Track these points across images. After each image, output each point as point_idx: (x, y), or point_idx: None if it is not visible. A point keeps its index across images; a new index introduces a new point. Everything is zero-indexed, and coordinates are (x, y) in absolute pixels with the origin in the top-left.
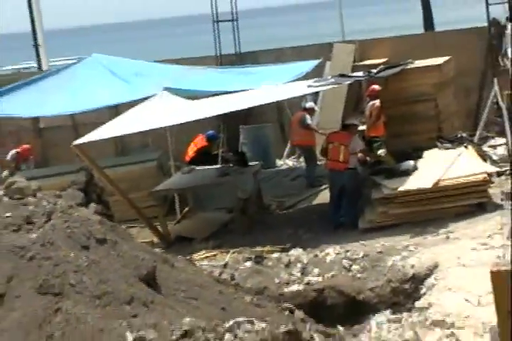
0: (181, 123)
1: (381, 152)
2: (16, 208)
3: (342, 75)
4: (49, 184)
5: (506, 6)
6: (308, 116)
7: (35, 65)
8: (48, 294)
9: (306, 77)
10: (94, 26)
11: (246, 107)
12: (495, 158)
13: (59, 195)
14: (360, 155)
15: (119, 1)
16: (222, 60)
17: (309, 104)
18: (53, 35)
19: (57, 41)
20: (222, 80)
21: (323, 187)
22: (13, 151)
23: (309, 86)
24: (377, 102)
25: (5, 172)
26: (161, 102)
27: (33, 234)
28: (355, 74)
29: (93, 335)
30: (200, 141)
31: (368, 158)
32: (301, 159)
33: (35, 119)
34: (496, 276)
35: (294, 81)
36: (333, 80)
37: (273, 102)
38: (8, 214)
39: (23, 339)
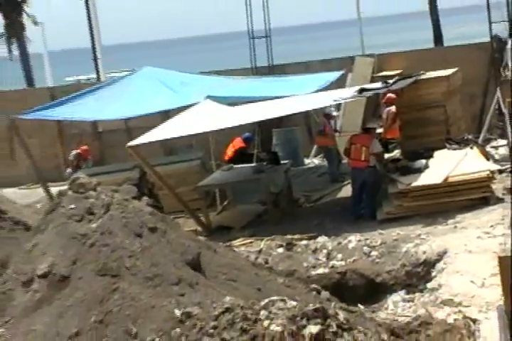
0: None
1: (396, 152)
2: (78, 201)
3: (362, 90)
4: (107, 180)
5: (507, 24)
6: (326, 122)
7: (95, 76)
8: (107, 276)
9: (330, 86)
10: (146, 43)
11: (278, 116)
12: (497, 157)
13: (116, 189)
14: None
15: (168, 19)
16: (257, 72)
17: (328, 111)
18: (112, 49)
19: (116, 55)
20: (257, 88)
21: (346, 182)
22: (74, 152)
23: (335, 100)
24: (392, 108)
25: (68, 170)
26: (204, 109)
27: (94, 223)
28: (374, 85)
29: (146, 311)
30: (237, 143)
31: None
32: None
33: (94, 124)
34: (503, 261)
35: (320, 90)
36: (355, 94)
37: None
38: (72, 206)
39: (85, 315)
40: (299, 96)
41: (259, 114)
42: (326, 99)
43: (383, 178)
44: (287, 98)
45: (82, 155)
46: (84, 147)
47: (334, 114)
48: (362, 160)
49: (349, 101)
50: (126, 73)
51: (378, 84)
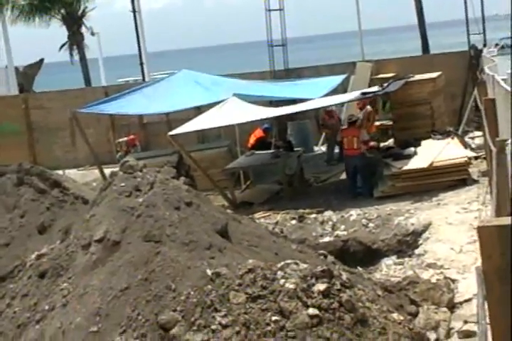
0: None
1: (390, 141)
2: (128, 180)
3: (364, 93)
4: (151, 163)
5: (482, 36)
6: (326, 117)
7: (141, 78)
8: (151, 241)
9: (336, 87)
10: (183, 50)
11: (293, 112)
12: (473, 146)
13: (158, 170)
14: (374, 143)
15: (202, 29)
16: (275, 74)
17: (329, 108)
18: (156, 55)
19: (159, 60)
20: (275, 90)
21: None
22: (122, 140)
23: (342, 101)
24: (368, 108)
25: (120, 154)
26: (231, 105)
27: (140, 198)
28: (372, 89)
29: (183, 271)
30: (258, 132)
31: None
32: None
33: (141, 116)
34: (482, 230)
35: (329, 93)
36: (359, 96)
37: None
38: (122, 184)
39: (133, 273)
40: (313, 100)
41: (277, 110)
42: (335, 100)
43: (379, 163)
44: (304, 103)
45: (129, 143)
46: (132, 136)
47: (333, 109)
48: (355, 148)
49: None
50: (166, 75)
51: (375, 88)
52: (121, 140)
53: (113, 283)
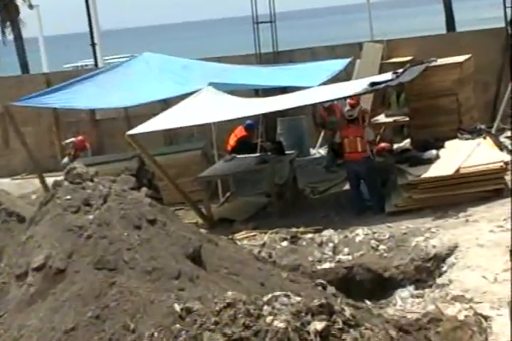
0: None
1: (405, 142)
2: (75, 191)
3: (373, 83)
4: (105, 170)
5: None
6: (325, 115)
7: (92, 62)
8: (104, 269)
9: (338, 74)
10: (145, 27)
11: (285, 108)
12: (511, 148)
13: (114, 179)
14: (385, 144)
15: (169, 3)
16: (261, 58)
17: (327, 104)
18: (110, 34)
19: (114, 40)
20: (261, 76)
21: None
22: (69, 141)
23: (345, 94)
24: (362, 106)
25: (65, 159)
26: (207, 98)
27: (91, 215)
28: (384, 77)
29: (144, 306)
30: (239, 132)
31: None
32: None
33: (92, 112)
34: None
35: (328, 81)
36: (367, 87)
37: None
38: (68, 197)
39: (81, 310)
40: (309, 90)
41: (265, 105)
42: (336, 92)
43: (392, 169)
44: (297, 92)
45: (77, 145)
46: (80, 137)
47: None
48: (359, 151)
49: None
50: (125, 59)
51: (388, 76)
52: (68, 141)
53: (56, 322)
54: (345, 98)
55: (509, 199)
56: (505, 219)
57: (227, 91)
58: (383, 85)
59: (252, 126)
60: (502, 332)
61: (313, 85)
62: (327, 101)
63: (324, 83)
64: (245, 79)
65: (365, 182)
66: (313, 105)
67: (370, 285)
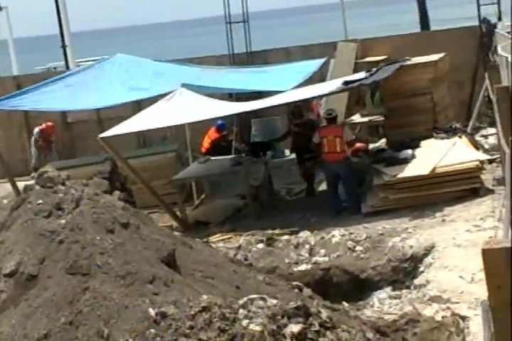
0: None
1: (381, 142)
2: (46, 196)
3: (346, 82)
4: (77, 173)
5: (496, 6)
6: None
7: (63, 64)
8: (77, 274)
9: (311, 76)
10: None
11: (259, 108)
12: (486, 146)
13: (86, 183)
14: (361, 144)
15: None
16: (235, 59)
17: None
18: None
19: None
20: (235, 80)
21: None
22: (37, 129)
23: (319, 94)
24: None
25: (33, 149)
26: (180, 99)
27: (63, 219)
28: (357, 76)
29: (118, 311)
30: (212, 133)
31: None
32: None
33: (64, 114)
34: (487, 254)
35: (302, 83)
36: (341, 86)
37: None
38: (39, 202)
39: (54, 316)
40: (283, 93)
41: (239, 105)
42: (311, 92)
43: (368, 169)
44: (271, 98)
45: (46, 131)
46: (49, 123)
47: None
48: (338, 151)
49: None
50: (96, 61)
51: (362, 75)
52: (35, 131)
53: (28, 328)
54: (320, 97)
55: (485, 198)
56: (481, 219)
57: (200, 94)
58: (357, 84)
59: (223, 126)
60: (480, 332)
61: (288, 89)
62: (301, 101)
63: (299, 85)
64: (219, 83)
65: (342, 183)
66: (288, 105)
67: (347, 286)
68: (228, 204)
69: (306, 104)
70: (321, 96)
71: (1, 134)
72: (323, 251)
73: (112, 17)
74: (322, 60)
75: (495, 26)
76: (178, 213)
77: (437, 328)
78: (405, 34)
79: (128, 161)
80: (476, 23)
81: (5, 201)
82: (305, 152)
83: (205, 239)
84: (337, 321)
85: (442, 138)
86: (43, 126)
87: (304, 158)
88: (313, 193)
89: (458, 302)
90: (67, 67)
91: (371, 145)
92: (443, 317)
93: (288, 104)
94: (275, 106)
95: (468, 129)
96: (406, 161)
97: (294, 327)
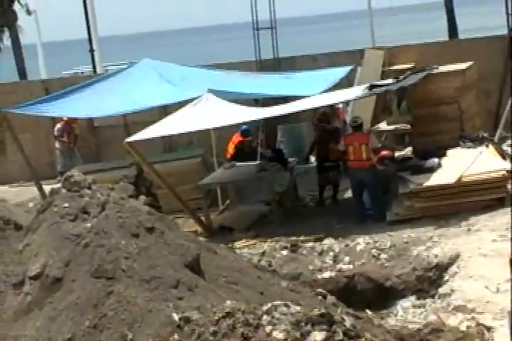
0: None
1: (407, 150)
2: (72, 199)
3: (372, 86)
4: (103, 178)
5: None
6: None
7: (91, 69)
8: (102, 278)
9: (338, 83)
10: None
11: (285, 113)
12: None
13: (112, 187)
14: (387, 152)
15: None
16: (262, 65)
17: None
18: (112, 40)
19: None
20: (261, 85)
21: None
22: (58, 125)
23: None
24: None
25: (57, 145)
26: (206, 105)
27: (88, 223)
28: (384, 81)
29: (142, 316)
30: (236, 138)
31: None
32: None
33: (90, 119)
34: None
35: (328, 89)
36: (366, 91)
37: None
38: (65, 205)
39: (78, 319)
40: (309, 98)
41: (264, 110)
42: (336, 96)
43: (393, 177)
44: (297, 102)
45: (67, 124)
46: (65, 118)
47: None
48: (364, 159)
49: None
50: (124, 66)
51: (389, 80)
52: (57, 126)
53: (53, 332)
54: (346, 102)
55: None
56: (507, 228)
57: (226, 99)
58: (383, 89)
59: (247, 131)
60: None
61: (314, 94)
62: (326, 106)
63: (325, 91)
64: (244, 88)
65: (367, 191)
66: (314, 110)
67: (371, 294)
68: (253, 210)
69: (333, 110)
70: (347, 102)
71: (28, 138)
72: (347, 258)
73: (141, 22)
74: (349, 68)
75: None
76: (202, 218)
77: (462, 338)
78: (433, 42)
79: (154, 166)
80: (505, 32)
81: (31, 204)
82: (326, 160)
83: (229, 245)
84: (361, 329)
85: (469, 147)
86: (63, 122)
87: (324, 166)
88: (323, 203)
89: (483, 313)
90: (95, 72)
91: (397, 154)
92: (468, 327)
93: (314, 110)
94: (300, 111)
95: (496, 138)
96: (432, 170)
97: (318, 335)
